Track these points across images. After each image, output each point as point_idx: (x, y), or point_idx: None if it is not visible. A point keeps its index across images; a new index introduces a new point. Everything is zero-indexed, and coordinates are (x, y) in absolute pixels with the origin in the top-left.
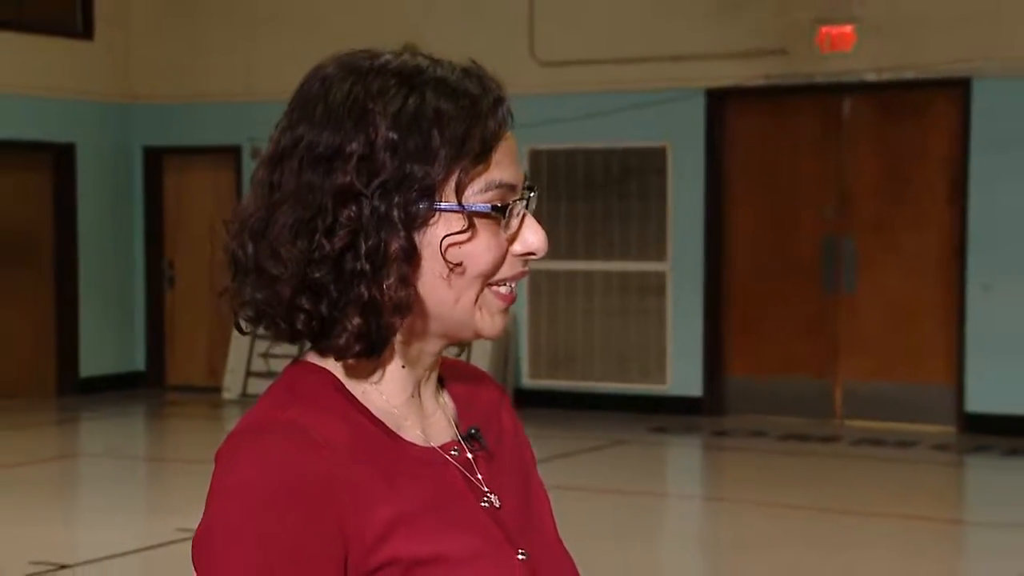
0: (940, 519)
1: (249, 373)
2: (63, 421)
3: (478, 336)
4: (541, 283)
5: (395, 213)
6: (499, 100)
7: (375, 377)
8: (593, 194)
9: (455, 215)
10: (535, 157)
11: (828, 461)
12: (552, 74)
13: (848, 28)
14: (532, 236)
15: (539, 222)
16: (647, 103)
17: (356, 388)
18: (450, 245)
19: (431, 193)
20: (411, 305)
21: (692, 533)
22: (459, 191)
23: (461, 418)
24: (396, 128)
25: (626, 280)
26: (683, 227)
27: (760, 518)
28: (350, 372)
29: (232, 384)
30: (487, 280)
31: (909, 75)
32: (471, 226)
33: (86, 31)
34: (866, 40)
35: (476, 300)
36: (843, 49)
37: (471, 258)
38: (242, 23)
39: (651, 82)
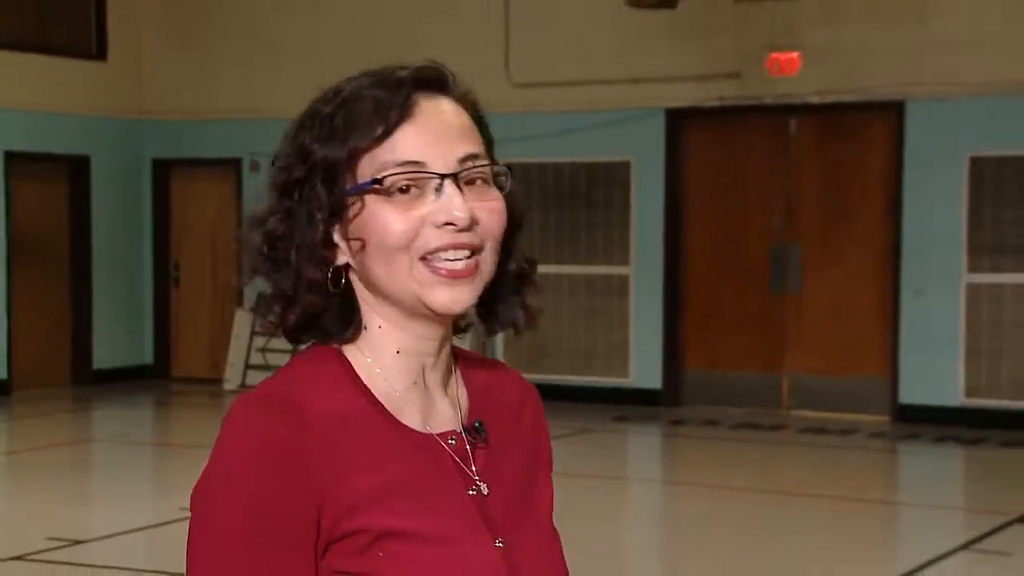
0: (875, 500)
1: (248, 366)
2: (77, 409)
3: (431, 309)
4: None
5: (309, 197)
6: (416, 83)
7: (379, 364)
8: (563, 204)
9: (352, 196)
10: (515, 172)
11: (775, 448)
12: (526, 95)
13: (795, 55)
14: (447, 206)
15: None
16: (612, 122)
17: (363, 372)
18: (351, 220)
19: (335, 173)
20: (335, 282)
21: (651, 513)
22: (354, 171)
23: (471, 410)
24: (320, 122)
25: (592, 282)
26: (644, 234)
27: (713, 499)
28: (358, 358)
29: (232, 376)
30: (409, 252)
31: (849, 98)
32: (360, 202)
33: (101, 54)
34: (810, 66)
35: (409, 272)
36: (790, 74)
37: (371, 232)
38: (243, 48)
39: (616, 103)
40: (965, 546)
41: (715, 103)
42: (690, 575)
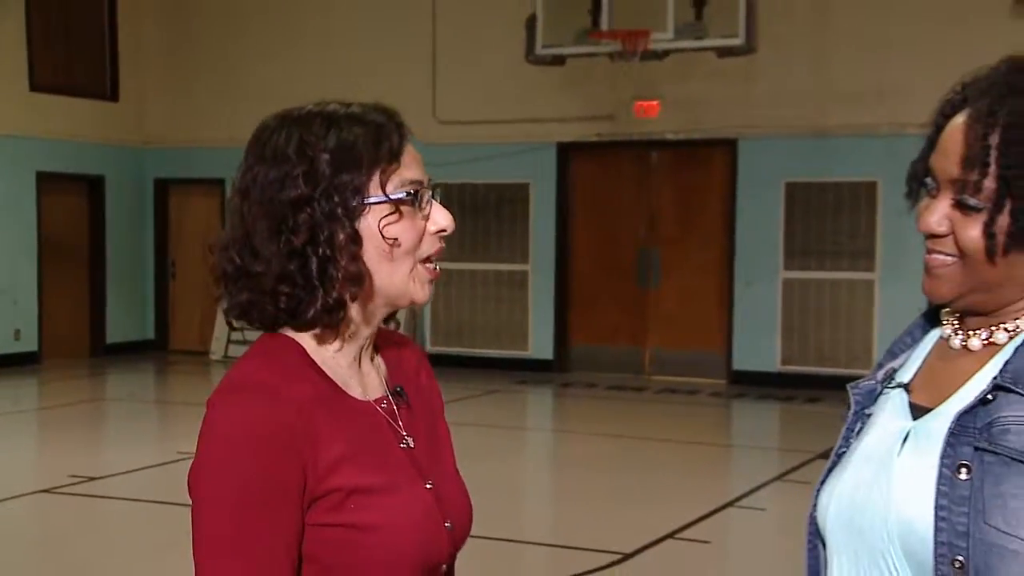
0: (713, 443)
1: (230, 341)
2: (93, 375)
3: (412, 302)
4: (443, 278)
5: (338, 210)
6: (399, 123)
7: (331, 347)
8: (477, 216)
9: (383, 205)
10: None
11: (639, 404)
12: (449, 130)
13: (655, 103)
14: (441, 217)
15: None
16: (516, 152)
17: (316, 355)
18: (386, 225)
19: (361, 191)
20: (362, 277)
21: (545, 454)
22: (382, 187)
23: (390, 376)
24: (327, 150)
25: (499, 276)
26: (539, 240)
27: (593, 443)
28: (322, 339)
29: (217, 348)
30: (414, 255)
31: (696, 136)
32: (397, 210)
33: (114, 96)
34: (667, 112)
35: (410, 272)
36: (651, 116)
37: (402, 234)
38: (226, 91)
39: (519, 137)
40: (779, 477)
41: (595, 139)
42: (574, 500)
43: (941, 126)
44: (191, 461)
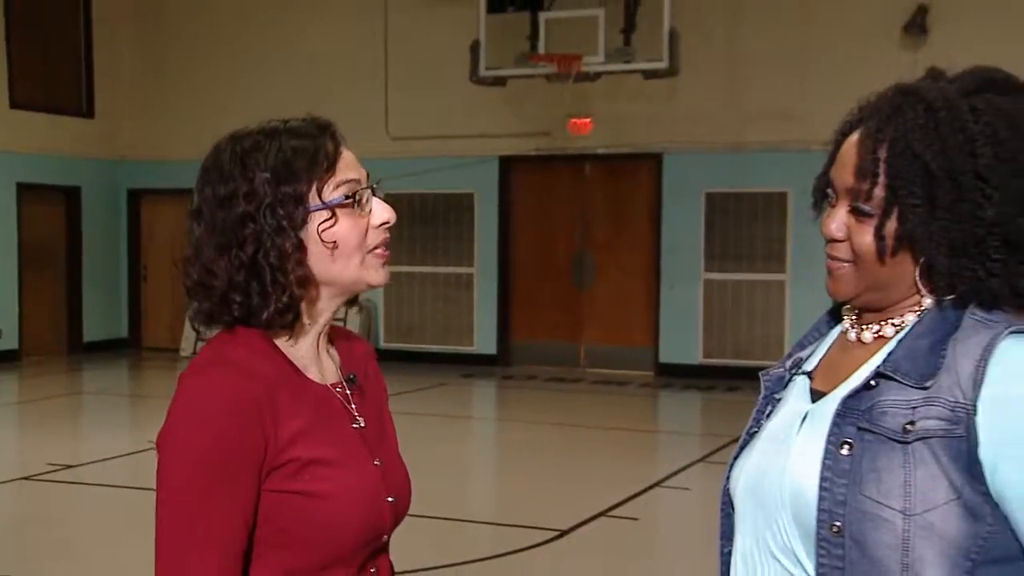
0: (644, 430)
1: (198, 339)
2: (71, 370)
3: (369, 286)
4: (393, 280)
5: (282, 222)
6: (332, 132)
7: (293, 337)
8: (427, 223)
9: (322, 211)
10: (389, 199)
11: (575, 395)
12: (400, 145)
13: (588, 120)
14: (382, 209)
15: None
16: (462, 165)
17: (280, 343)
18: (324, 230)
19: (302, 201)
20: (308, 280)
21: (489, 440)
22: (320, 194)
23: (343, 364)
24: (267, 168)
25: (447, 278)
26: (484, 245)
27: (533, 430)
28: (277, 335)
29: (186, 345)
30: (362, 250)
31: (625, 151)
32: (333, 215)
33: (90, 113)
34: (599, 128)
35: (360, 264)
36: (584, 133)
37: (341, 236)
38: (193, 108)
39: (464, 151)
40: (701, 459)
41: (533, 153)
42: (515, 482)
43: (840, 143)
44: (160, 428)
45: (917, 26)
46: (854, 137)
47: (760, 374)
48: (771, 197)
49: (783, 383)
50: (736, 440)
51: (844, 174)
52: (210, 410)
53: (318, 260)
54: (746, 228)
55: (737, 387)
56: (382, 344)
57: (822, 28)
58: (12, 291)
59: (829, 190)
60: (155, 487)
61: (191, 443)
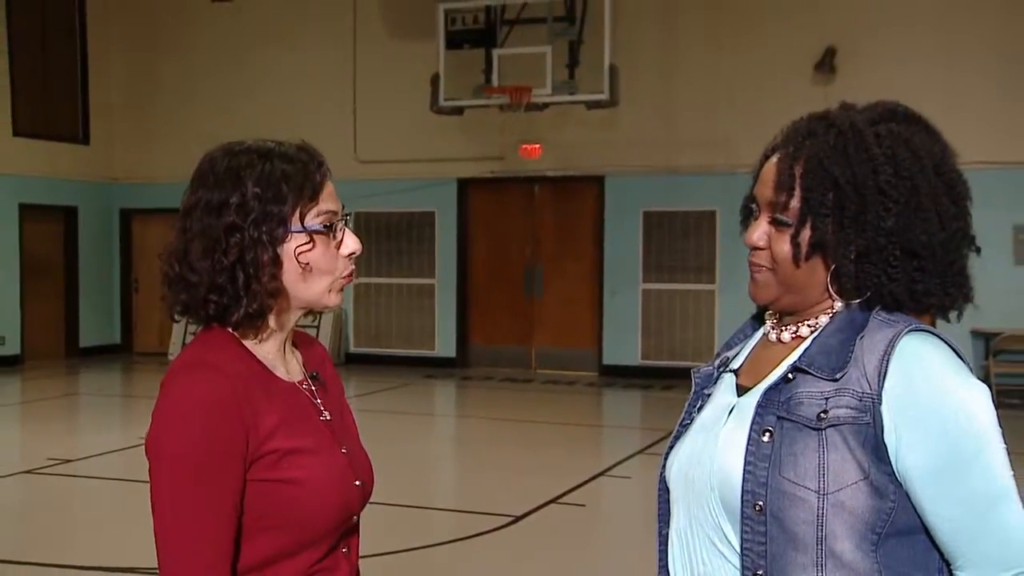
0: (588, 424)
1: (184, 343)
2: (69, 373)
3: (326, 308)
4: (362, 289)
5: (264, 237)
6: (320, 163)
7: (258, 338)
8: (391, 239)
9: (301, 235)
10: (359, 217)
11: (527, 393)
12: (367, 168)
13: (538, 146)
14: (351, 241)
15: (357, 235)
16: (423, 186)
17: (249, 345)
18: (301, 252)
19: (285, 222)
20: (279, 292)
21: (449, 435)
22: (302, 219)
23: (306, 364)
24: (258, 184)
25: (411, 289)
26: (443, 258)
27: (489, 426)
28: (244, 336)
29: (174, 350)
30: (332, 275)
31: (571, 173)
32: (311, 240)
33: (85, 140)
34: (548, 153)
35: (327, 288)
36: (534, 157)
37: (315, 260)
38: (180, 136)
39: (425, 174)
40: (641, 451)
41: (488, 175)
42: (473, 473)
43: (763, 163)
44: (148, 430)
45: (826, 65)
46: (774, 158)
47: (692, 372)
48: (701, 215)
49: (712, 380)
50: (672, 433)
51: (765, 189)
52: (192, 410)
53: (290, 278)
54: (679, 243)
55: (672, 385)
56: (352, 348)
57: (745, 65)
58: (14, 301)
59: (753, 205)
60: (149, 489)
61: (177, 443)
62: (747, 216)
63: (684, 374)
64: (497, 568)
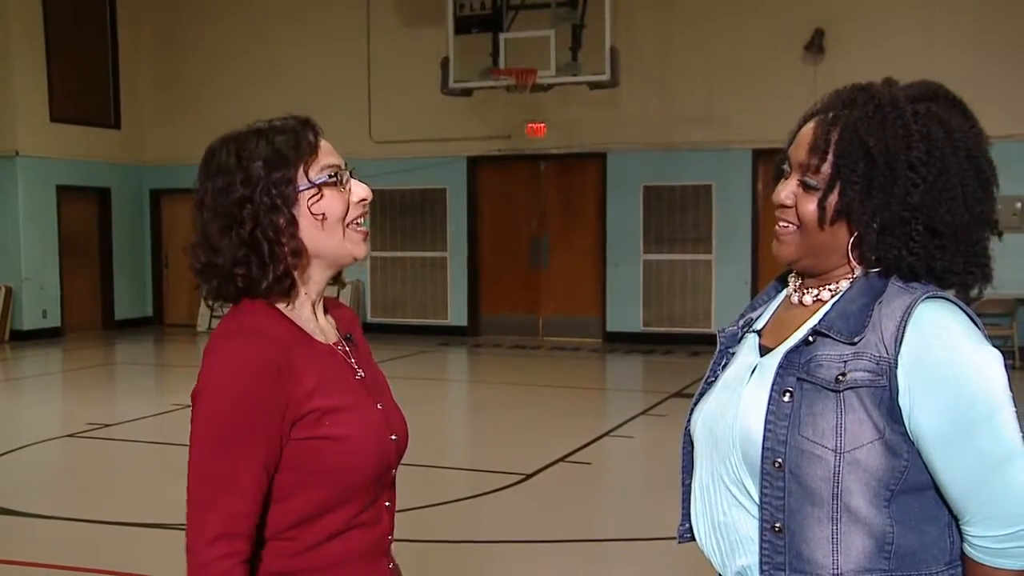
0: (594, 388)
1: (212, 315)
2: (106, 344)
3: (354, 259)
4: (378, 263)
5: (277, 201)
6: (311, 124)
7: (291, 304)
8: (406, 214)
9: (309, 190)
10: (376, 195)
11: (535, 359)
12: (381, 148)
13: (542, 125)
14: (360, 189)
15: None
16: (435, 164)
17: (286, 311)
18: (313, 204)
19: (291, 181)
20: (301, 251)
21: (462, 399)
22: (307, 175)
23: (339, 327)
24: (259, 158)
25: (424, 261)
26: (455, 232)
27: (500, 390)
28: (276, 303)
29: (202, 322)
30: (343, 222)
31: (575, 150)
32: (320, 192)
33: (117, 124)
34: (552, 131)
35: (343, 236)
36: (540, 136)
37: (328, 208)
38: (206, 120)
39: (437, 153)
40: (643, 412)
41: (496, 153)
42: (485, 434)
43: (800, 126)
44: (194, 386)
45: (816, 46)
46: (812, 122)
47: (717, 331)
48: (698, 189)
49: (736, 339)
50: (673, 395)
51: (799, 151)
52: (237, 370)
53: (309, 232)
54: (678, 215)
55: (672, 351)
56: (369, 318)
57: (738, 47)
58: (54, 278)
59: (785, 165)
60: (189, 436)
61: (221, 397)
62: (779, 175)
63: (683, 340)
64: (509, 523)
